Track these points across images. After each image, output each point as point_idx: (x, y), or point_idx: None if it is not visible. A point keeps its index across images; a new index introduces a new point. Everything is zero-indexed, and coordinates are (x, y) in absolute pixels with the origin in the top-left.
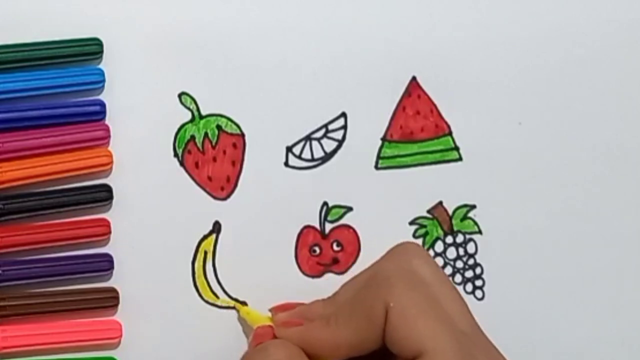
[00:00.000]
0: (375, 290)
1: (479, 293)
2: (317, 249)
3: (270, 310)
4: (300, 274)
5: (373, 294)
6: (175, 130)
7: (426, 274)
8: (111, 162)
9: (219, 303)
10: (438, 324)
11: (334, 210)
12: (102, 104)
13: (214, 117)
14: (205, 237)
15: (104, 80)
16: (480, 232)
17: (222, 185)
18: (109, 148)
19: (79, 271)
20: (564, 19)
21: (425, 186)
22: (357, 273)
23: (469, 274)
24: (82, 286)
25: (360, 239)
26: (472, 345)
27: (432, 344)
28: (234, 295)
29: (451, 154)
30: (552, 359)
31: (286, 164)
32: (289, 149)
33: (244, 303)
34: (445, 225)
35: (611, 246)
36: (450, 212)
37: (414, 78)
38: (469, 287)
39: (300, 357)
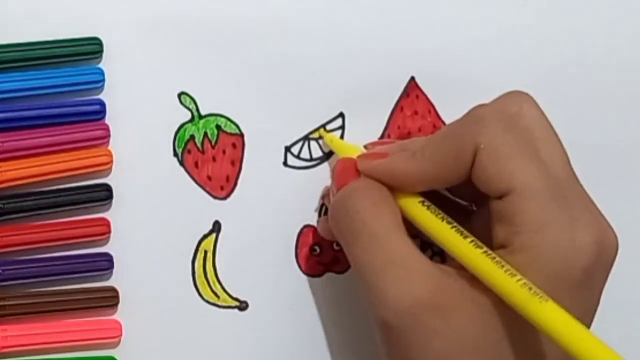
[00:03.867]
0: (466, 128)
1: None
2: (317, 248)
3: (365, 146)
4: (301, 273)
5: (464, 131)
6: (175, 129)
7: (532, 117)
8: (111, 162)
9: (219, 303)
10: (530, 164)
11: None
12: (102, 104)
13: (214, 117)
14: (205, 236)
15: (103, 80)
16: None
17: (222, 185)
18: (109, 147)
19: (78, 270)
20: (564, 19)
21: None
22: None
23: None
24: (82, 285)
25: None
26: (564, 189)
27: (521, 182)
28: (234, 295)
29: None
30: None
31: (285, 163)
32: (287, 149)
33: (244, 302)
34: None
35: None
36: None
37: (412, 78)
38: None
39: (385, 201)
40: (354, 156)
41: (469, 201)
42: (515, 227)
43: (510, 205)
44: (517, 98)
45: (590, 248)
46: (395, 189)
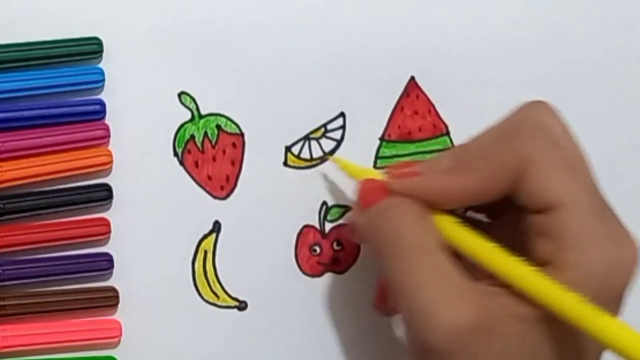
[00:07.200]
0: (507, 143)
1: None
2: (317, 248)
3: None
4: (301, 273)
5: (505, 146)
6: (175, 129)
7: (557, 130)
8: (111, 162)
9: (219, 303)
10: (573, 178)
11: (333, 210)
12: (102, 103)
13: (214, 117)
14: (205, 236)
15: (103, 80)
16: None
17: (222, 185)
18: (109, 147)
19: (78, 271)
20: (564, 19)
21: None
22: (481, 132)
23: None
24: (82, 286)
25: None
26: (601, 203)
27: (570, 197)
28: (233, 295)
29: None
30: None
31: (285, 163)
32: (287, 149)
33: (243, 302)
34: None
35: None
36: None
37: (412, 78)
38: None
39: (426, 219)
40: (376, 177)
41: (482, 212)
42: (561, 242)
43: (557, 220)
44: (544, 109)
45: (629, 264)
46: (429, 207)
